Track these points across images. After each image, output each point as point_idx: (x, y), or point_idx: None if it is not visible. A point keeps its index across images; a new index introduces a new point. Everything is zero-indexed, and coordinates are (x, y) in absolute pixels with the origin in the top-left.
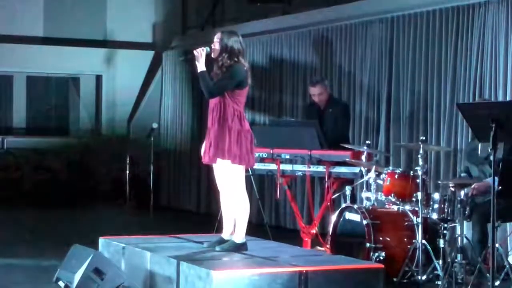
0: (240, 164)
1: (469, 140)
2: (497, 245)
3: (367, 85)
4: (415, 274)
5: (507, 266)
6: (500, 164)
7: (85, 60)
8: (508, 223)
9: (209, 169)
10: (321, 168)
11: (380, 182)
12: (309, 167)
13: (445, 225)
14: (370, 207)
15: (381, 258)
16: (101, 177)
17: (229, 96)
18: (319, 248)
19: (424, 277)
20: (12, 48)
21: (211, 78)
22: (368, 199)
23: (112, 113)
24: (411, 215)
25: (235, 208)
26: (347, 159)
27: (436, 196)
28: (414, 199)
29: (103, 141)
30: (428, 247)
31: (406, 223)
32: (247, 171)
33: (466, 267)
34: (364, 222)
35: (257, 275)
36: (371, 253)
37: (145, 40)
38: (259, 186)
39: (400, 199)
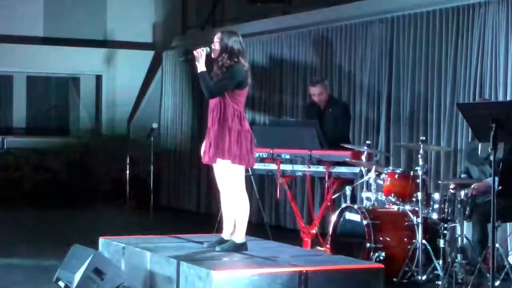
0: (240, 164)
1: (469, 140)
2: (497, 245)
3: (367, 85)
4: (415, 274)
5: (507, 266)
6: (500, 164)
7: (85, 60)
8: (508, 223)
9: (209, 169)
10: (321, 168)
11: (380, 182)
12: (309, 167)
13: (445, 225)
14: (370, 207)
15: (381, 258)
16: (101, 177)
17: (229, 96)
18: (319, 248)
19: (424, 277)
20: (12, 48)
21: (211, 78)
22: (368, 199)
23: (112, 113)
24: (411, 215)
25: (235, 208)
26: (347, 159)
27: (436, 196)
28: (414, 199)
29: (103, 141)
30: (428, 247)
31: (406, 223)
32: (247, 171)
33: (466, 267)
34: (364, 222)
35: (257, 275)
36: (371, 253)
37: (145, 40)
38: (259, 186)
39: (400, 199)
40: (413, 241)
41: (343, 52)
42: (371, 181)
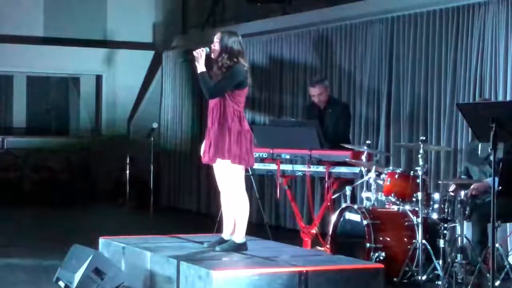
0: (240, 164)
1: (469, 140)
2: (497, 245)
3: (367, 85)
4: (415, 274)
5: (507, 266)
6: (500, 164)
7: (85, 60)
8: (508, 223)
9: (209, 169)
10: (321, 168)
11: (380, 182)
12: (309, 167)
13: (445, 225)
14: (370, 207)
15: (381, 258)
16: (101, 177)
17: (229, 96)
18: (319, 248)
19: (424, 277)
20: (12, 48)
21: (211, 78)
22: (368, 199)
23: (112, 113)
24: (411, 215)
25: (235, 208)
26: (347, 159)
27: (436, 196)
28: (414, 199)
29: (103, 141)
30: (428, 247)
31: (406, 223)
32: (247, 171)
33: (466, 267)
34: (364, 222)
35: (257, 275)
36: (371, 253)
37: (145, 40)
38: (259, 186)
39: (400, 199)
40: (413, 241)
41: (343, 52)
42: (371, 181)
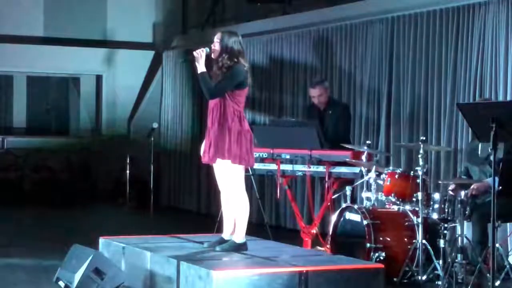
0: (240, 164)
1: (469, 140)
2: (497, 245)
3: (367, 85)
4: (415, 274)
5: (507, 266)
6: (500, 164)
7: (85, 60)
8: (508, 223)
9: (209, 169)
10: (321, 168)
11: (380, 182)
12: (309, 167)
13: (446, 225)
14: (371, 207)
15: (381, 258)
16: (101, 177)
17: (229, 96)
18: (319, 248)
19: (424, 277)
20: (12, 48)
21: (210, 77)
22: (368, 199)
23: (112, 113)
24: (411, 215)
25: (235, 208)
26: (347, 159)
27: (437, 196)
28: (414, 199)
29: (103, 141)
30: (429, 247)
31: (406, 223)
32: (247, 171)
33: (467, 267)
34: (364, 222)
35: (257, 275)
36: (371, 253)
37: (145, 40)
38: (259, 186)
39: (400, 199)
40: (413, 241)
41: (343, 52)
42: (371, 181)
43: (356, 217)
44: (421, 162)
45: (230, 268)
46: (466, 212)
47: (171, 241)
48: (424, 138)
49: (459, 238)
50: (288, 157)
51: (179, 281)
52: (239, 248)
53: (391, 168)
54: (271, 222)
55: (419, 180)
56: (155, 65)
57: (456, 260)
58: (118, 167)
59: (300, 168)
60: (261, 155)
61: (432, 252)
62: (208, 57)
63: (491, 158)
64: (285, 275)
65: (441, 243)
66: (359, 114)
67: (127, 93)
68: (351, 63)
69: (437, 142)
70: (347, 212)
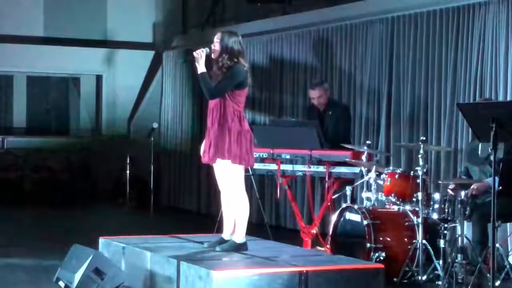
0: (240, 164)
1: (470, 140)
2: (497, 245)
3: (368, 85)
4: (416, 274)
5: (507, 266)
6: (501, 164)
7: (85, 60)
8: (508, 223)
9: (209, 169)
10: (321, 168)
11: (380, 182)
12: (310, 167)
13: (446, 225)
14: (371, 207)
15: (382, 258)
16: (101, 177)
17: (229, 96)
18: (319, 248)
19: (424, 277)
20: (12, 48)
21: (210, 77)
22: (368, 199)
23: (112, 113)
24: (411, 215)
25: (235, 208)
26: (347, 159)
27: (437, 196)
28: (414, 199)
29: (103, 141)
30: (429, 247)
31: (406, 223)
32: (247, 171)
33: (467, 267)
34: (365, 222)
35: (257, 275)
36: (372, 253)
37: (145, 40)
38: (260, 186)
39: (400, 199)
40: (413, 241)
41: (343, 52)
42: (371, 181)
43: (356, 217)
44: (421, 162)
45: (230, 268)
46: (466, 212)
47: (171, 241)
48: (424, 138)
49: (459, 238)
50: (288, 157)
51: (179, 281)
52: (239, 248)
53: (391, 168)
54: (271, 222)
55: (419, 180)
56: (155, 65)
57: (456, 260)
58: (118, 167)
59: (300, 168)
60: (261, 155)
61: (432, 252)
62: (208, 57)
63: (491, 158)
64: (285, 275)
65: (441, 243)
66: (359, 114)
67: (127, 93)
68: (351, 63)
69: (437, 142)
70: (347, 212)
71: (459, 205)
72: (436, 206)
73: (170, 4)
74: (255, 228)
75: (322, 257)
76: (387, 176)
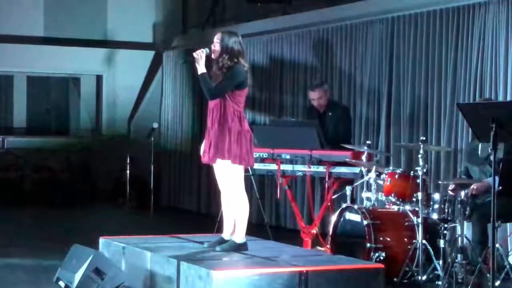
0: (240, 164)
1: (469, 140)
2: (497, 245)
3: (368, 85)
4: (416, 274)
5: (507, 266)
6: (500, 164)
7: (85, 60)
8: (508, 223)
9: (209, 169)
10: (321, 168)
11: (380, 182)
12: (310, 167)
13: (446, 225)
14: (371, 207)
15: (381, 258)
16: (101, 177)
17: (229, 96)
18: (319, 248)
19: (424, 277)
20: (12, 48)
21: (210, 77)
22: (368, 199)
23: (112, 113)
24: (411, 215)
25: (235, 208)
26: (347, 159)
27: (437, 196)
28: (414, 199)
29: (103, 141)
30: (429, 247)
31: (406, 223)
32: (247, 171)
33: (467, 267)
34: (365, 222)
35: (257, 275)
36: (372, 253)
37: (146, 40)
38: (260, 186)
39: (400, 199)
40: (413, 241)
41: (343, 52)
42: (371, 181)
43: (356, 217)
44: (421, 162)
45: (230, 268)
46: (466, 212)
47: (171, 241)
48: (424, 138)
49: (459, 238)
50: (288, 157)
51: (179, 281)
52: (239, 248)
53: (391, 168)
54: (271, 222)
55: (419, 180)
56: (155, 65)
57: (456, 260)
58: (118, 167)
59: (300, 168)
60: (261, 155)
61: (432, 252)
62: (207, 57)
63: (491, 158)
64: (285, 275)
65: (441, 243)
66: (359, 114)
67: (127, 93)
68: (351, 63)
69: (437, 142)
70: (347, 212)
71: (459, 205)
72: (436, 206)
73: (170, 4)
74: (255, 228)
75: (322, 257)
76: (387, 176)
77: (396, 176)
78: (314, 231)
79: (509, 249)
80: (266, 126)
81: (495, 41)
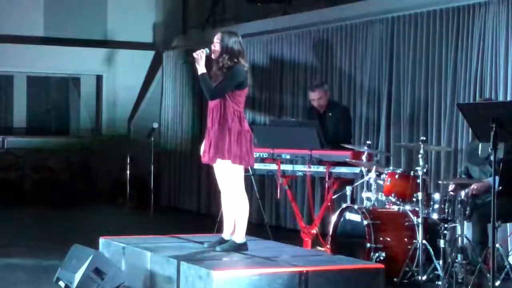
0: (240, 164)
1: (470, 140)
2: (497, 245)
3: (368, 85)
4: (416, 274)
5: (507, 266)
6: (501, 164)
7: (85, 60)
8: (508, 223)
9: (209, 169)
10: (321, 168)
11: (380, 182)
12: (310, 167)
13: (446, 225)
14: (371, 207)
15: (382, 258)
16: (101, 177)
17: (229, 96)
18: (319, 248)
19: (424, 277)
20: (12, 48)
21: (210, 77)
22: (368, 199)
23: (112, 113)
24: (411, 215)
25: (235, 208)
26: (348, 159)
27: (437, 196)
28: (414, 199)
29: (103, 141)
30: (429, 247)
31: (406, 223)
32: (247, 171)
33: (467, 267)
34: (365, 222)
35: (257, 275)
36: (372, 253)
37: (146, 40)
38: (260, 186)
39: (400, 199)
40: (414, 241)
41: (343, 52)
42: (372, 181)
43: (356, 217)
44: (421, 162)
45: (230, 268)
46: (466, 212)
47: (171, 241)
48: (424, 138)
49: (459, 238)
50: (288, 157)
51: (179, 281)
52: (239, 248)
53: (391, 168)
54: (271, 222)
55: (419, 180)
56: (155, 65)
57: (456, 260)
58: (118, 167)
59: (300, 168)
60: (261, 155)
61: (432, 252)
62: (207, 57)
63: (491, 158)
64: (285, 275)
65: (441, 243)
66: (359, 114)
67: (127, 93)
68: (351, 63)
69: (437, 142)
70: (347, 212)
71: (459, 205)
72: (436, 206)
73: (170, 4)
74: (255, 228)
75: (322, 257)
76: (387, 176)
77: (396, 176)
78: (314, 231)
79: (509, 249)
80: (266, 126)
81: (495, 41)
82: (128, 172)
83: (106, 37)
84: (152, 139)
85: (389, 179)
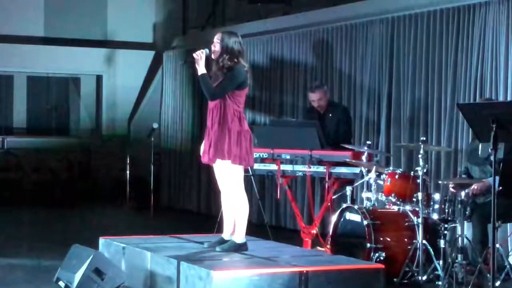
0: (240, 164)
1: (470, 140)
2: (497, 245)
3: (368, 85)
4: (416, 274)
5: (508, 266)
6: (501, 164)
7: (85, 60)
8: (508, 224)
9: (209, 169)
10: (321, 169)
11: (380, 182)
12: (310, 168)
13: (446, 226)
14: (371, 208)
15: (382, 258)
16: (101, 177)
17: (229, 96)
18: (319, 248)
19: (424, 278)
20: (12, 48)
21: (210, 77)
22: (368, 199)
23: (112, 113)
24: (411, 215)
25: (235, 208)
26: (348, 160)
27: (437, 196)
28: (414, 199)
29: (103, 141)
30: (429, 247)
31: (406, 224)
32: (247, 171)
33: (467, 267)
34: (365, 222)
35: (257, 275)
36: (372, 254)
37: (146, 40)
38: (260, 187)
39: (400, 200)
40: (414, 241)
41: (343, 52)
42: (372, 181)
43: (356, 218)
44: (421, 163)
45: (230, 268)
46: (466, 212)
47: (171, 241)
48: (424, 138)
49: (459, 238)
50: (288, 157)
51: (179, 281)
52: (239, 248)
53: (391, 168)
54: (271, 222)
55: (419, 180)
56: (155, 65)
57: (456, 261)
58: (118, 167)
59: (300, 168)
60: (261, 155)
61: (432, 253)
62: (207, 58)
63: (492, 158)
64: (285, 275)
65: (441, 243)
66: (359, 115)
67: (127, 93)
68: (351, 63)
69: (437, 142)
70: (347, 213)
71: (459, 205)
72: (436, 206)
73: (170, 4)
74: (255, 228)
75: (322, 257)
76: (387, 176)
77: (396, 176)
78: (314, 231)
79: (509, 249)
80: (266, 126)
81: (496, 41)
82: (128, 172)
83: (106, 37)
84: (152, 139)
85: (389, 179)
